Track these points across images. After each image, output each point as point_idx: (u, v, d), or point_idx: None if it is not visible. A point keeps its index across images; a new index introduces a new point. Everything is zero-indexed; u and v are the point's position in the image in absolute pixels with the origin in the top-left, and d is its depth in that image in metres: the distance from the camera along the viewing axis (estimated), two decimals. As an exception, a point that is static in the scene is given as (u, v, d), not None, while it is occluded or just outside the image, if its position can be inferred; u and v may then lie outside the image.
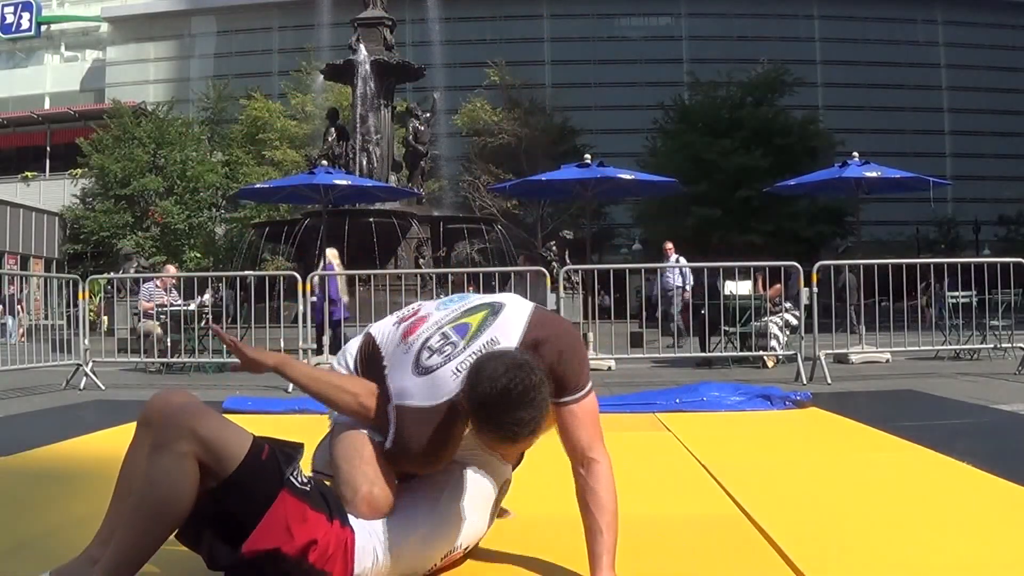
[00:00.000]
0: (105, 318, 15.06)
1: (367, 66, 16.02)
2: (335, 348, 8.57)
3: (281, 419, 5.29)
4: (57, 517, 2.72)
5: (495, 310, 2.15)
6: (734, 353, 9.24)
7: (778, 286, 8.65)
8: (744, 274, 9.52)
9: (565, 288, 9.24)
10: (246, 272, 10.24)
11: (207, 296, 10.56)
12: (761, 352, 9.08)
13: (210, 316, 9.78)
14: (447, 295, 2.70)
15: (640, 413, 5.39)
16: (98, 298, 16.16)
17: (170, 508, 1.79)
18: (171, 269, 13.35)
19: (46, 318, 9.09)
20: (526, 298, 2.28)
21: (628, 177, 12.13)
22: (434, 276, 13.13)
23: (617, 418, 5.27)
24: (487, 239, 18.10)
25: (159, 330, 9.83)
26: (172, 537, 1.89)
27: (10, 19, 50.74)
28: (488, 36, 48.99)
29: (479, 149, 34.10)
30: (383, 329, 2.26)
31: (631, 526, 2.62)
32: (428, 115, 17.47)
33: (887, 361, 9.19)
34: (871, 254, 13.02)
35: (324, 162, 13.99)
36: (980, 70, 48.89)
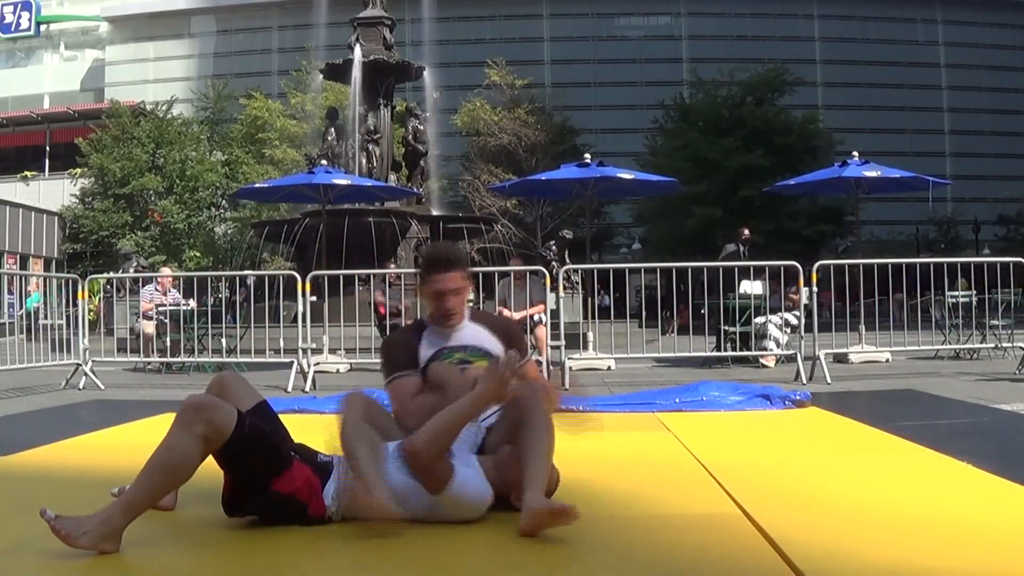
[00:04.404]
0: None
1: (361, 64, 16.02)
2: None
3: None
4: (57, 517, 2.72)
5: None
6: (734, 353, 9.23)
7: (796, 296, 8.59)
8: (744, 274, 9.50)
9: (565, 288, 9.22)
10: (246, 272, 10.23)
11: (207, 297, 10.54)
12: (759, 352, 9.07)
13: (209, 315, 9.77)
14: None
15: (640, 413, 5.39)
16: (97, 298, 16.15)
17: (178, 471, 2.41)
18: (166, 271, 13.37)
19: (45, 318, 9.06)
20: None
21: (628, 176, 12.11)
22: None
23: (617, 418, 5.27)
24: (487, 239, 18.09)
25: (149, 329, 9.84)
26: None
27: (9, 18, 50.71)
28: (488, 36, 49.01)
29: (479, 149, 34.08)
30: None
31: (631, 526, 2.63)
32: (427, 114, 17.48)
33: (887, 361, 9.18)
34: (871, 254, 13.03)
35: (324, 161, 13.99)
36: (980, 70, 48.89)
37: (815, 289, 7.74)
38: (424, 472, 2.53)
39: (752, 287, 9.24)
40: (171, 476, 2.42)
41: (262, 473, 2.50)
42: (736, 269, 9.60)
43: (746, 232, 11.28)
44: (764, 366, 9.26)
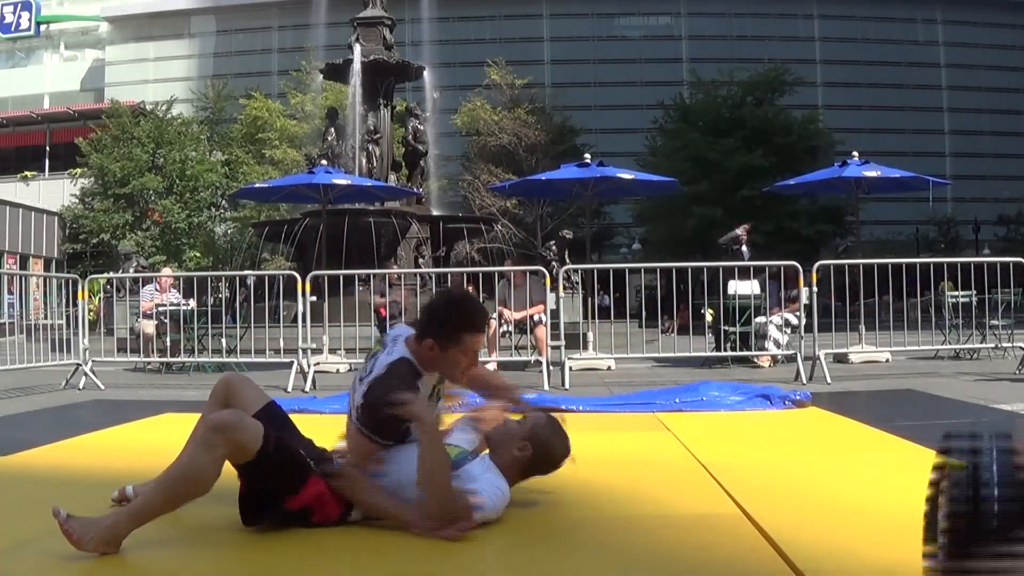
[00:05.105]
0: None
1: (362, 65, 16.03)
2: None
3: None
4: (57, 517, 2.72)
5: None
6: (734, 353, 9.23)
7: (795, 304, 8.59)
8: (744, 274, 9.49)
9: (565, 288, 9.21)
10: (246, 272, 10.22)
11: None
12: (755, 353, 9.06)
13: (209, 315, 9.77)
14: None
15: (640, 413, 5.39)
16: (97, 298, 16.14)
17: (195, 487, 2.38)
18: (167, 271, 13.38)
19: (45, 318, 9.07)
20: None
21: (628, 176, 12.12)
22: (433, 276, 13.16)
23: (617, 418, 5.27)
24: (487, 239, 18.09)
25: (149, 329, 9.84)
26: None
27: (9, 18, 50.70)
28: (488, 36, 49.01)
29: (479, 149, 34.08)
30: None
31: (631, 526, 2.63)
32: (427, 114, 17.48)
33: (887, 361, 9.18)
34: (871, 254, 13.03)
35: (324, 161, 13.99)
36: (980, 70, 48.89)
37: (815, 289, 7.75)
38: (449, 521, 2.44)
39: (751, 287, 9.23)
40: (187, 491, 2.41)
41: (279, 486, 2.50)
42: (736, 268, 9.59)
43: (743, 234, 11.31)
44: (758, 366, 9.26)
